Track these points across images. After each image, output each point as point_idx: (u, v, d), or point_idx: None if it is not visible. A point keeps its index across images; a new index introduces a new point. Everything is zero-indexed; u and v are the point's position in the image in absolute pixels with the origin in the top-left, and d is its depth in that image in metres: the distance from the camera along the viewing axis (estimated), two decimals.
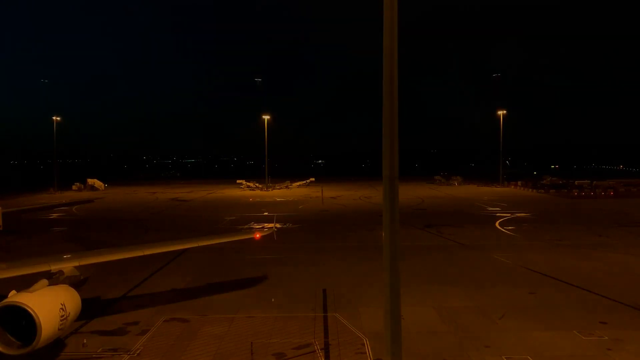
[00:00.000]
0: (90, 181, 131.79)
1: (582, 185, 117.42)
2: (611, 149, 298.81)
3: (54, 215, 78.75)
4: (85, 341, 24.28)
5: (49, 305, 20.45)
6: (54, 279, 23.09)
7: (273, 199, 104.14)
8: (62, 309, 20.92)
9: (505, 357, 22.34)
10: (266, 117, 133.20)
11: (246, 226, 64.17)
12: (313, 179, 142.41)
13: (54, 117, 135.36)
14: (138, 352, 23.29)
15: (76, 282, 24.28)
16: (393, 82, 12.99)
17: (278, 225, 52.26)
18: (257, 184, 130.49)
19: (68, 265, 24.53)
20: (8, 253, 41.91)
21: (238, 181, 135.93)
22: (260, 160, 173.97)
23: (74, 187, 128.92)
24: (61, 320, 20.74)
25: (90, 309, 27.89)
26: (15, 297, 20.04)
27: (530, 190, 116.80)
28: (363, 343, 23.99)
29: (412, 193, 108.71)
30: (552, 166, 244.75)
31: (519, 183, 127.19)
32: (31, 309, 19.41)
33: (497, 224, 64.09)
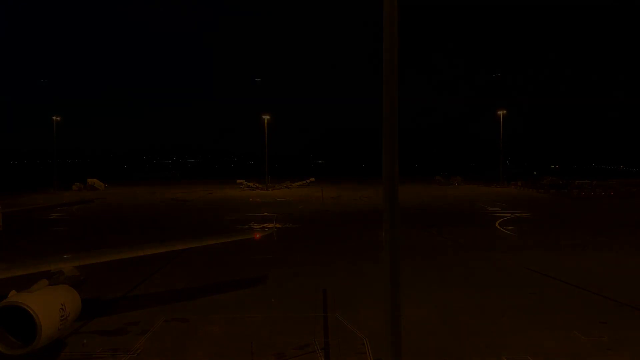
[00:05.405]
0: (90, 181, 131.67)
1: (582, 185, 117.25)
2: (611, 149, 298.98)
3: (54, 215, 78.71)
4: (85, 341, 24.26)
5: (49, 305, 20.42)
6: (54, 279, 23.07)
7: (273, 199, 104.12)
8: (62, 309, 20.89)
9: (505, 357, 22.31)
10: (266, 117, 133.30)
11: (246, 226, 64.13)
12: (313, 179, 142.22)
13: (54, 117, 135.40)
14: (138, 352, 23.27)
15: (76, 282, 24.23)
16: (393, 81, 12.97)
17: (278, 225, 52.19)
18: (257, 184, 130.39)
19: (68, 265, 24.51)
20: (8, 253, 41.82)
21: (238, 181, 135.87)
22: (260, 160, 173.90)
23: (74, 187, 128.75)
24: (61, 321, 20.72)
25: (90, 309, 27.86)
26: (15, 297, 20.02)
27: (530, 190, 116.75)
28: (363, 343, 23.96)
29: (412, 193, 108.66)
30: (552, 166, 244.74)
31: (519, 183, 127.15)
32: (31, 309, 19.38)
33: (497, 224, 64.10)
